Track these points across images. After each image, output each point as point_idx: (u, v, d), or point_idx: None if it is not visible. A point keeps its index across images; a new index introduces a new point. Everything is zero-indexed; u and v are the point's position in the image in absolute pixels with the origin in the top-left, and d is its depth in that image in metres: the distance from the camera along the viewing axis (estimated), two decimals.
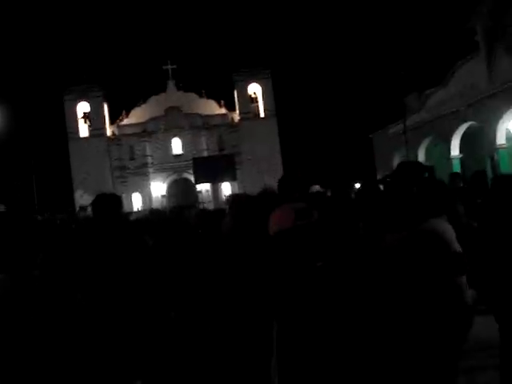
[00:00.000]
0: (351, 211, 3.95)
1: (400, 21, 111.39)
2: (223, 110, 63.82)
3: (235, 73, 62.37)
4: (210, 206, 46.26)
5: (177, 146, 61.62)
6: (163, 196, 59.44)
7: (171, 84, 64.13)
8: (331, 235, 3.55)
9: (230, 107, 63.82)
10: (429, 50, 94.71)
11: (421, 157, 35.05)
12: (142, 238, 4.60)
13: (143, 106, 63.78)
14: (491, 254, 4.35)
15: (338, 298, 3.20)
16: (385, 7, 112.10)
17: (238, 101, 62.79)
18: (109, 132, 62.13)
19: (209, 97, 64.41)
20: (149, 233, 5.22)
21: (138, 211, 44.02)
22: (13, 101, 77.89)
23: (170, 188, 60.81)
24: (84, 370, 2.49)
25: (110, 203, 4.29)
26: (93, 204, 4.34)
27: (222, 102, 64.02)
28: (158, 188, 60.30)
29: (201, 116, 61.83)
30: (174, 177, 61.00)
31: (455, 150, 31.62)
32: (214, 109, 63.83)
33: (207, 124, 61.74)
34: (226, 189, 57.99)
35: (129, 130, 61.86)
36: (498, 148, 27.39)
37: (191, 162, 55.08)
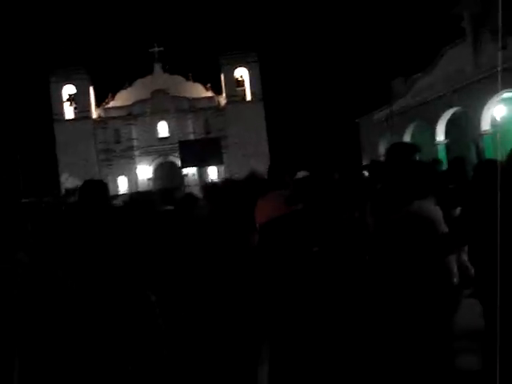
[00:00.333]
0: (337, 197, 4.00)
1: (386, 6, 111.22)
2: (210, 94, 63.56)
3: (222, 56, 62.06)
4: (196, 189, 46.18)
5: (163, 129, 61.35)
6: (149, 179, 59.29)
7: (157, 67, 63.73)
8: (320, 221, 3.59)
9: (217, 90, 63.59)
10: (415, 35, 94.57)
11: (407, 141, 35.18)
12: (125, 226, 4.60)
13: (129, 88, 63.37)
14: (473, 237, 4.41)
15: (334, 283, 3.27)
16: None
17: (225, 84, 62.53)
18: (94, 115, 61.71)
19: (195, 80, 64.11)
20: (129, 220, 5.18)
21: (124, 194, 43.90)
22: None
23: (156, 171, 60.63)
24: (78, 358, 2.51)
25: (97, 190, 4.32)
26: (79, 190, 4.37)
27: (209, 85, 63.77)
28: (144, 171, 60.11)
29: (187, 99, 61.56)
30: (160, 160, 60.79)
31: (440, 136, 31.81)
32: (201, 92, 63.56)
33: (193, 107, 61.47)
34: (213, 172, 57.96)
35: (115, 113, 61.49)
36: (483, 134, 27.59)
37: (177, 145, 54.95)
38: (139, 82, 63.41)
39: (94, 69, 63.14)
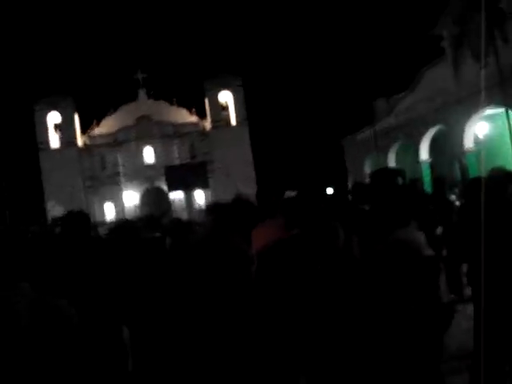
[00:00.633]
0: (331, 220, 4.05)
1: (368, 28, 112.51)
2: (194, 118, 63.72)
3: (206, 80, 62.33)
4: (184, 214, 46.19)
5: (148, 154, 61.34)
6: (136, 205, 59.15)
7: (142, 93, 63.91)
8: (319, 244, 3.61)
9: (202, 115, 63.75)
10: (397, 56, 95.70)
11: (391, 161, 35.47)
12: (106, 257, 4.56)
13: (114, 115, 63.43)
14: (470, 256, 4.46)
15: (339, 297, 3.30)
16: (353, 15, 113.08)
17: (210, 109, 62.75)
18: (80, 142, 61.64)
19: (180, 105, 64.30)
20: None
21: (110, 222, 43.72)
22: None
23: (142, 197, 60.47)
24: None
25: (78, 221, 4.34)
26: (62, 222, 4.40)
27: (194, 109, 63.95)
28: (131, 197, 59.94)
29: (172, 124, 61.65)
30: (146, 186, 60.67)
31: (424, 154, 32.06)
32: (186, 117, 63.70)
33: (178, 132, 61.54)
34: (199, 197, 57.92)
35: (100, 140, 61.46)
36: (466, 152, 27.83)
37: (163, 170, 54.93)
38: (124, 109, 63.48)
39: (79, 96, 63.43)
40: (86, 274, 4.03)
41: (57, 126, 60.27)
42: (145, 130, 60.47)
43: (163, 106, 63.59)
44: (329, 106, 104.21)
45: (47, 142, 60.53)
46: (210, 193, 57.24)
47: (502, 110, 22.36)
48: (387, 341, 3.47)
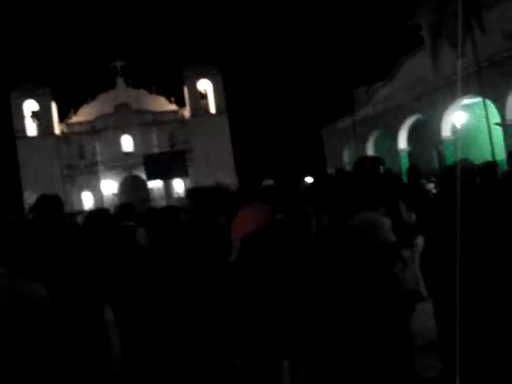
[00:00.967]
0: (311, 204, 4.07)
1: (348, 16, 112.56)
2: (173, 107, 63.43)
3: (185, 69, 62.04)
4: (163, 203, 46.02)
5: (127, 143, 61.00)
6: (114, 194, 58.82)
7: (120, 81, 63.38)
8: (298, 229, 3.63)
9: (181, 103, 63.48)
10: (376, 44, 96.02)
11: (369, 150, 35.65)
12: (79, 242, 4.52)
13: (92, 103, 62.91)
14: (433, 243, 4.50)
15: (334, 284, 3.32)
16: (333, 4, 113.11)
17: (189, 97, 62.49)
18: (57, 130, 61.09)
19: (159, 93, 63.95)
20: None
21: (89, 210, 43.42)
22: None
23: (121, 186, 60.16)
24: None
25: (50, 205, 4.28)
26: (34, 206, 4.35)
27: (172, 98, 63.64)
28: (109, 186, 59.58)
29: (151, 112, 61.35)
30: (124, 174, 60.35)
31: (402, 143, 32.27)
32: (164, 105, 63.39)
33: (157, 120, 61.26)
34: (178, 185, 57.76)
35: (78, 128, 60.96)
36: (444, 141, 28.05)
37: (142, 159, 54.67)
38: (102, 97, 62.98)
39: (56, 84, 62.72)
40: (58, 258, 4.00)
41: (34, 114, 59.62)
42: (123, 119, 60.08)
43: (142, 94, 63.19)
44: (308, 95, 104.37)
45: (24, 131, 59.87)
46: (189, 181, 57.10)
47: (479, 99, 22.53)
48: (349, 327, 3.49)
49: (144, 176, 55.60)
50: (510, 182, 5.14)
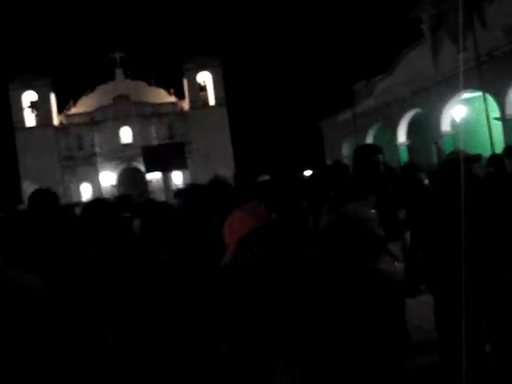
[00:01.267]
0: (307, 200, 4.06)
1: (348, 9, 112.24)
2: (173, 99, 63.29)
3: (184, 61, 61.88)
4: (161, 195, 46.06)
5: (126, 134, 60.89)
6: (113, 186, 58.77)
7: (119, 72, 63.22)
8: (295, 227, 3.60)
9: (180, 95, 63.34)
10: (377, 38, 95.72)
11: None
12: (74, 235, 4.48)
13: (91, 94, 62.75)
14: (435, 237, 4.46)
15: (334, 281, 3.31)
16: None
17: (188, 89, 62.34)
18: (56, 121, 60.95)
19: (158, 85, 63.78)
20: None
21: (87, 201, 43.36)
22: None
23: (119, 177, 60.09)
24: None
25: (44, 200, 4.26)
26: (28, 200, 4.33)
27: (172, 90, 63.51)
28: (108, 178, 59.52)
29: (150, 104, 61.20)
30: (123, 166, 60.26)
31: (402, 137, 32.21)
32: (164, 97, 63.25)
33: (156, 112, 61.12)
34: (177, 178, 57.70)
35: (77, 120, 60.83)
36: (443, 135, 28.00)
37: (141, 150, 54.57)
38: (101, 88, 62.81)
39: (55, 75, 62.47)
40: (52, 250, 3.97)
41: (32, 105, 59.46)
42: (122, 110, 59.96)
43: (141, 85, 63.04)
44: (308, 88, 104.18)
45: (23, 122, 59.73)
46: (187, 174, 57.05)
47: (479, 93, 22.47)
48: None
49: (143, 168, 55.57)
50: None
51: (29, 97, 59.61)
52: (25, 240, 4.10)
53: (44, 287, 2.48)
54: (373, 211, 4.15)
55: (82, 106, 61.91)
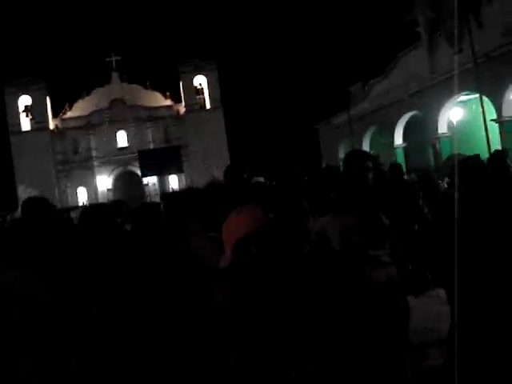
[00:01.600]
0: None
1: (344, 11, 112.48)
2: (169, 102, 63.27)
3: (180, 64, 61.87)
4: (157, 199, 45.93)
5: (122, 138, 60.83)
6: (109, 190, 58.66)
7: (115, 76, 63.13)
8: (293, 227, 3.57)
9: (176, 99, 63.33)
10: (373, 40, 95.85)
11: (365, 146, 35.60)
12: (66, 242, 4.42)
13: (87, 98, 62.67)
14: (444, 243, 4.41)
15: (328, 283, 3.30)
16: None
17: (184, 92, 62.32)
18: (52, 125, 60.83)
19: (154, 88, 63.76)
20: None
21: (83, 206, 43.33)
22: None
23: (115, 181, 60.02)
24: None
25: (37, 208, 4.23)
26: (21, 208, 4.30)
27: (168, 93, 63.48)
28: (104, 182, 59.45)
29: (146, 108, 61.16)
30: (119, 170, 60.21)
31: (399, 139, 32.20)
32: (160, 100, 63.22)
33: (152, 116, 61.10)
34: (174, 181, 57.65)
35: (72, 123, 60.71)
36: (440, 137, 28.02)
37: (137, 154, 54.52)
38: (97, 92, 62.73)
39: (51, 79, 62.48)
40: (46, 256, 3.92)
41: (28, 109, 59.33)
42: (118, 114, 59.91)
43: (137, 89, 62.99)
44: (304, 91, 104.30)
45: (18, 125, 59.51)
46: (184, 177, 57.00)
47: (475, 95, 22.46)
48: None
49: (139, 172, 55.51)
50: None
51: (24, 101, 59.46)
52: (18, 248, 4.04)
53: (44, 288, 2.43)
54: (354, 219, 4.11)
55: (78, 110, 61.82)
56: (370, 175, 4.36)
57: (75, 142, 60.54)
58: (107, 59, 62.53)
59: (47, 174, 57.48)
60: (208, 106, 62.37)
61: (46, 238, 4.06)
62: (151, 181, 56.96)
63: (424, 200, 10.62)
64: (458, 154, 5.12)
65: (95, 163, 59.99)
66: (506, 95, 22.99)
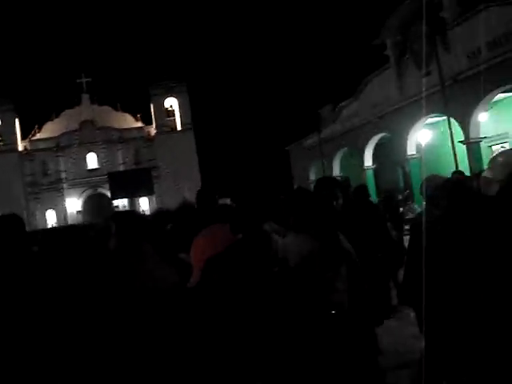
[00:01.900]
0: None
1: (314, 34, 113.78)
2: (139, 124, 63.13)
3: (151, 86, 61.88)
4: None
5: (92, 160, 60.45)
6: (78, 212, 58.07)
7: (85, 97, 62.85)
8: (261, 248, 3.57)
9: (147, 121, 63.23)
10: (343, 63, 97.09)
11: (336, 168, 35.83)
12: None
13: (56, 120, 62.25)
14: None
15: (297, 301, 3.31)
16: (301, 22, 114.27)
17: (155, 114, 62.27)
18: (21, 147, 60.20)
19: (124, 110, 63.64)
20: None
21: (52, 228, 42.76)
22: None
23: (85, 204, 59.48)
24: None
25: (8, 226, 4.14)
26: None
27: (138, 115, 63.39)
28: (74, 204, 58.89)
29: (116, 130, 60.94)
30: (89, 192, 59.73)
31: (368, 161, 32.45)
32: (130, 122, 63.06)
33: (123, 138, 60.89)
34: (144, 203, 57.32)
35: (42, 145, 60.21)
36: (409, 158, 28.30)
37: (107, 176, 54.17)
38: (67, 114, 62.36)
39: (20, 100, 61.78)
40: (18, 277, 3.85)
41: None
42: (88, 136, 59.60)
43: (107, 111, 62.79)
44: (275, 112, 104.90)
45: None
46: (154, 199, 56.72)
47: (443, 117, 22.77)
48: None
49: (109, 194, 55.08)
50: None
51: None
52: None
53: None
54: (314, 241, 4.10)
55: (47, 132, 61.33)
56: (340, 201, 4.40)
57: (44, 164, 59.98)
58: (77, 81, 62.37)
59: (16, 195, 56.72)
60: (179, 128, 62.34)
61: (20, 255, 3.99)
62: (122, 203, 56.54)
63: (391, 222, 10.71)
64: (435, 176, 5.16)
65: (65, 185, 59.46)
66: (473, 117, 23.36)
